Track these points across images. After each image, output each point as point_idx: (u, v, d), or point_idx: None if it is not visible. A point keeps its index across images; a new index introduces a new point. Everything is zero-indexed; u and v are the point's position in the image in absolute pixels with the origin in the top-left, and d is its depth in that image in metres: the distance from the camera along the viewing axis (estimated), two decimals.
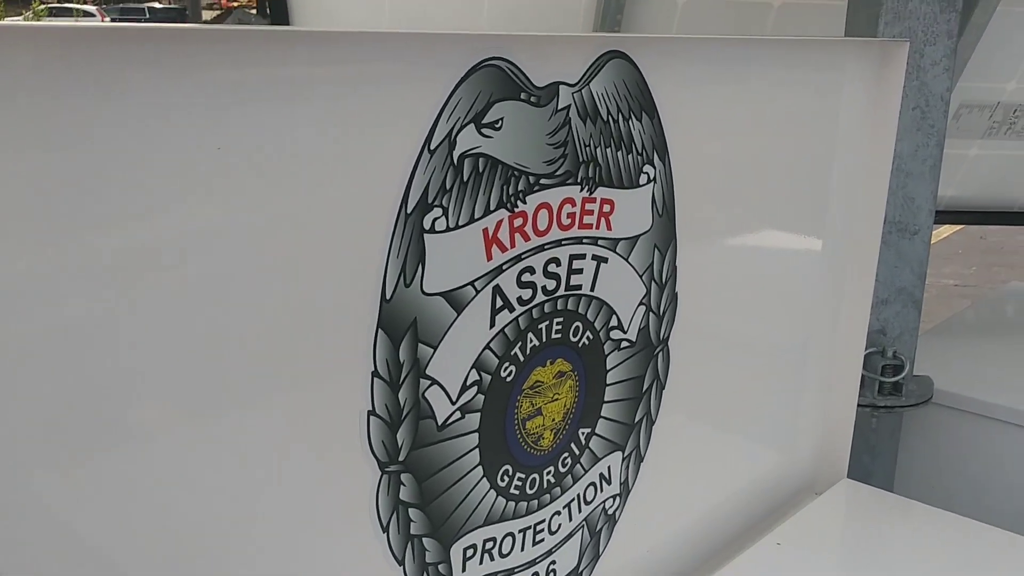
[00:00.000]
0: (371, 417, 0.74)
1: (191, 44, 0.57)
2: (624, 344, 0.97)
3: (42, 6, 21.89)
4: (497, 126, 0.76)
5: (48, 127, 0.52)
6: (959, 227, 6.45)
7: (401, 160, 0.71)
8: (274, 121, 0.63)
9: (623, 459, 1.02)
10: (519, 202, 0.80)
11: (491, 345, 0.83)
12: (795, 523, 1.25)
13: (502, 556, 0.90)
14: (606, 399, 0.98)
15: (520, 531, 0.91)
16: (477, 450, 0.84)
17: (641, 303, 0.98)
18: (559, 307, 0.89)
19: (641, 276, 0.96)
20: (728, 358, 1.18)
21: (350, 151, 0.68)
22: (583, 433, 0.96)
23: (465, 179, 0.75)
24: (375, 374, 0.74)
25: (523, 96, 0.77)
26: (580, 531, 0.99)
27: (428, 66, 0.71)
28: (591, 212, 0.88)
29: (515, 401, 0.87)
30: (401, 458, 0.78)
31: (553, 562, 0.96)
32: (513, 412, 0.87)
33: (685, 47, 0.96)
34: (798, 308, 1.28)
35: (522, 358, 0.86)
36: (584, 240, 0.88)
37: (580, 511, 0.98)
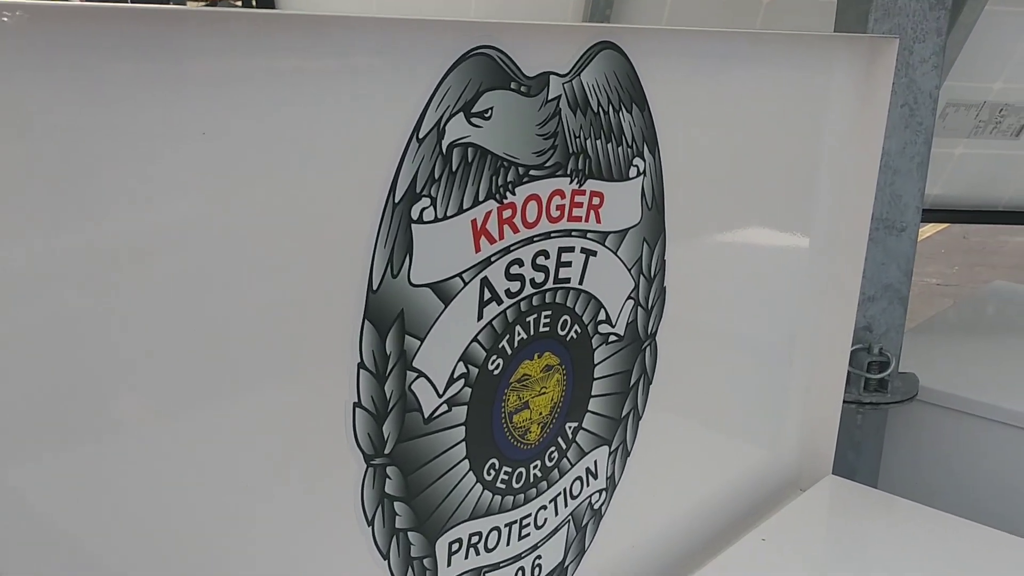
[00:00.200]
0: (357, 409, 0.73)
1: (176, 27, 0.56)
2: (612, 338, 0.97)
3: None
4: (487, 115, 0.75)
5: (25, 113, 0.51)
6: (942, 227, 6.50)
7: (389, 148, 0.70)
8: (260, 107, 0.62)
9: (610, 453, 1.02)
10: (508, 193, 0.80)
11: (479, 338, 0.82)
12: (780, 519, 1.25)
13: (488, 550, 0.89)
14: (593, 393, 0.97)
15: (506, 525, 0.91)
16: (464, 443, 0.84)
17: (629, 297, 0.97)
18: (547, 300, 0.88)
19: (630, 270, 0.96)
20: (715, 353, 1.18)
21: (337, 138, 0.67)
22: (570, 427, 0.95)
23: (454, 169, 0.74)
24: (361, 366, 0.73)
25: (513, 86, 0.77)
26: (566, 526, 0.98)
27: (417, 53, 0.70)
28: (580, 204, 0.87)
29: (502, 394, 0.86)
30: (387, 451, 0.77)
31: (539, 557, 0.96)
32: (500, 405, 0.87)
33: (676, 39, 0.95)
34: (785, 304, 1.28)
35: (510, 351, 0.86)
36: (573, 233, 0.88)
37: (566, 505, 0.98)
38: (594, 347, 0.95)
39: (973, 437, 1.62)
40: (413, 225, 0.73)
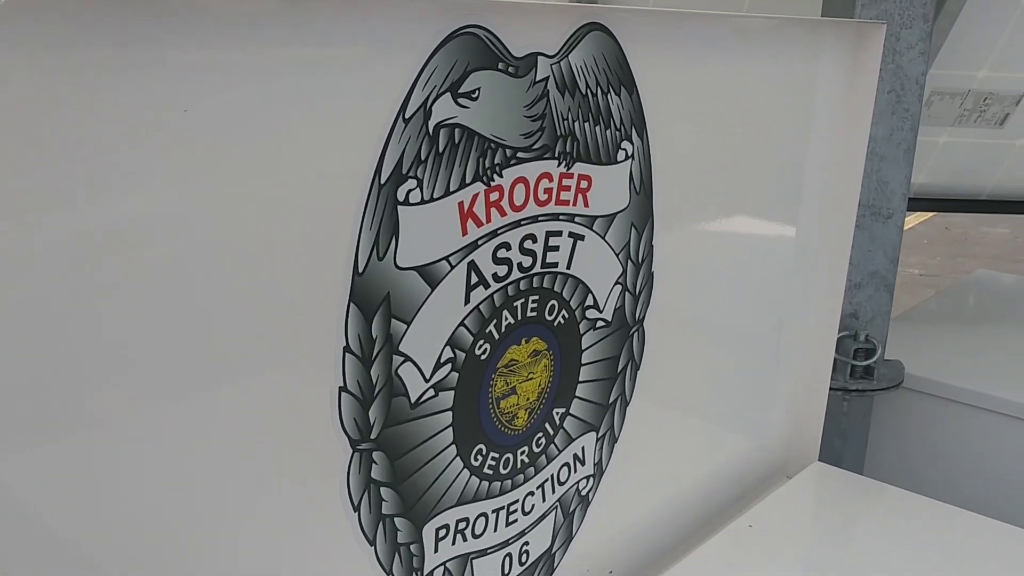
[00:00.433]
0: (343, 394, 0.72)
1: (159, 7, 0.55)
2: (600, 324, 0.96)
3: None
4: (474, 96, 0.74)
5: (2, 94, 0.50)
6: (924, 218, 6.54)
7: (375, 128, 0.69)
8: (244, 85, 0.61)
9: (597, 440, 1.01)
10: (496, 175, 0.79)
11: (465, 322, 0.81)
12: (767, 505, 1.25)
13: (475, 537, 0.89)
14: (581, 379, 0.96)
15: (493, 511, 0.90)
16: (451, 429, 0.83)
17: (617, 282, 0.96)
18: (535, 285, 0.87)
19: (618, 255, 0.95)
20: (702, 340, 1.18)
21: (322, 118, 0.66)
22: (558, 413, 0.95)
23: (440, 150, 0.73)
24: (347, 349, 0.72)
25: (501, 66, 0.76)
26: (554, 512, 0.98)
27: (404, 32, 0.69)
28: (568, 188, 0.87)
29: (489, 379, 0.86)
30: (373, 436, 0.76)
31: (526, 543, 0.95)
32: (487, 391, 0.86)
33: (665, 22, 0.94)
34: (772, 291, 1.28)
35: (497, 336, 0.85)
36: (561, 217, 0.87)
37: (554, 492, 0.97)
38: (582, 333, 0.95)
39: (958, 424, 1.63)
40: (399, 207, 0.72)
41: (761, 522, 1.21)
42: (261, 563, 0.71)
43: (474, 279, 0.81)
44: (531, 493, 0.94)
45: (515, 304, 0.86)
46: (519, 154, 0.80)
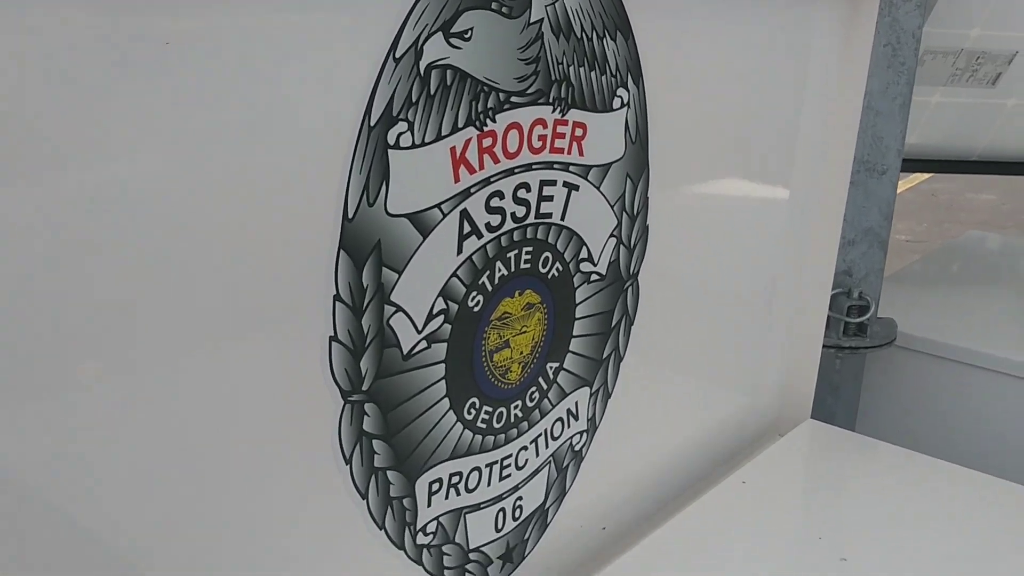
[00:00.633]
0: (333, 343, 0.71)
1: None
2: (594, 277, 0.95)
3: None
4: (466, 36, 0.72)
5: None
6: (911, 183, 6.55)
7: (365, 68, 0.66)
8: (228, 23, 0.58)
9: (591, 395, 1.00)
10: (488, 120, 0.76)
11: (458, 273, 0.79)
12: (760, 462, 1.25)
13: (468, 491, 0.88)
14: (575, 333, 0.95)
15: (487, 466, 0.89)
16: (443, 382, 0.81)
17: (612, 235, 0.95)
18: (528, 236, 0.85)
19: (612, 206, 0.93)
20: (696, 296, 1.16)
21: (310, 56, 0.63)
22: (551, 367, 0.93)
23: (432, 92, 0.71)
24: (337, 298, 0.70)
25: (494, 6, 0.73)
26: (547, 467, 0.97)
27: None
28: (563, 136, 0.84)
29: (482, 332, 0.84)
30: (365, 387, 0.74)
31: (520, 498, 0.94)
32: (480, 344, 0.84)
33: None
34: (766, 247, 1.26)
35: (490, 288, 0.83)
36: (555, 165, 0.85)
37: (547, 447, 0.96)
38: (576, 286, 0.93)
39: (950, 381, 1.63)
40: (389, 151, 0.69)
41: (754, 478, 1.21)
42: (251, 517, 0.70)
43: (466, 228, 0.79)
44: (524, 448, 0.93)
45: (508, 255, 0.84)
46: (512, 98, 0.78)
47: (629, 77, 0.89)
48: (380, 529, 0.80)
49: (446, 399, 0.82)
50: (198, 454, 0.65)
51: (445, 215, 0.76)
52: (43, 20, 0.50)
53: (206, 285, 0.62)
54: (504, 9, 0.74)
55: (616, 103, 0.88)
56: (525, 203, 0.83)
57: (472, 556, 0.91)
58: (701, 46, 1.00)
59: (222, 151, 0.60)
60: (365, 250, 0.70)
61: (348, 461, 0.75)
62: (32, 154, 0.51)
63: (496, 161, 0.79)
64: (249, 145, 0.62)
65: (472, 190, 0.77)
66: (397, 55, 0.67)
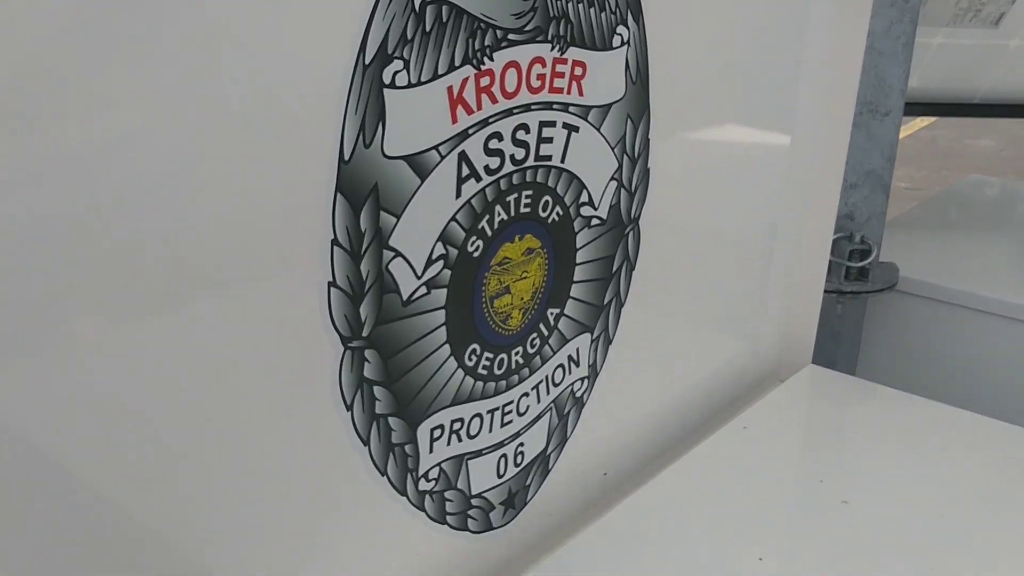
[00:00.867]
0: (332, 289, 0.69)
1: None
2: (595, 222, 0.93)
3: None
4: None
5: None
6: (911, 131, 6.50)
7: (358, 4, 0.64)
8: None
9: (592, 341, 0.99)
10: (486, 59, 0.74)
11: (457, 217, 0.78)
12: (761, 407, 1.25)
13: (470, 437, 0.87)
14: (575, 279, 0.94)
15: (488, 412, 0.88)
16: (444, 328, 0.80)
17: (613, 178, 0.93)
18: (528, 179, 0.84)
19: (613, 148, 0.91)
20: (696, 240, 1.15)
21: None
22: (552, 314, 0.92)
23: (427, 29, 0.69)
24: (335, 243, 0.68)
25: None
26: (548, 413, 0.96)
27: None
28: (562, 75, 0.82)
29: (482, 278, 0.83)
30: (365, 333, 0.73)
31: (521, 444, 0.94)
32: (480, 289, 0.83)
33: None
34: (767, 190, 1.25)
35: (490, 232, 0.82)
36: (555, 106, 0.83)
37: (548, 393, 0.95)
38: (576, 231, 0.92)
39: (951, 325, 1.63)
40: (385, 90, 0.68)
41: (756, 424, 1.20)
42: (252, 465, 0.69)
43: (465, 171, 0.77)
44: (526, 394, 0.92)
45: (508, 199, 0.82)
46: (510, 36, 0.75)
47: (629, 14, 0.87)
48: (382, 476, 0.80)
49: (447, 345, 0.81)
50: (198, 403, 0.64)
51: (443, 157, 0.74)
52: None
53: (201, 231, 0.60)
54: None
55: (616, 41, 0.86)
56: (524, 145, 0.82)
57: (474, 502, 0.91)
58: None
59: (212, 93, 0.58)
60: (362, 193, 0.69)
61: (349, 408, 0.74)
62: (28, 101, 0.49)
63: (494, 101, 0.77)
64: (240, 85, 0.60)
65: (470, 131, 0.76)
66: None
